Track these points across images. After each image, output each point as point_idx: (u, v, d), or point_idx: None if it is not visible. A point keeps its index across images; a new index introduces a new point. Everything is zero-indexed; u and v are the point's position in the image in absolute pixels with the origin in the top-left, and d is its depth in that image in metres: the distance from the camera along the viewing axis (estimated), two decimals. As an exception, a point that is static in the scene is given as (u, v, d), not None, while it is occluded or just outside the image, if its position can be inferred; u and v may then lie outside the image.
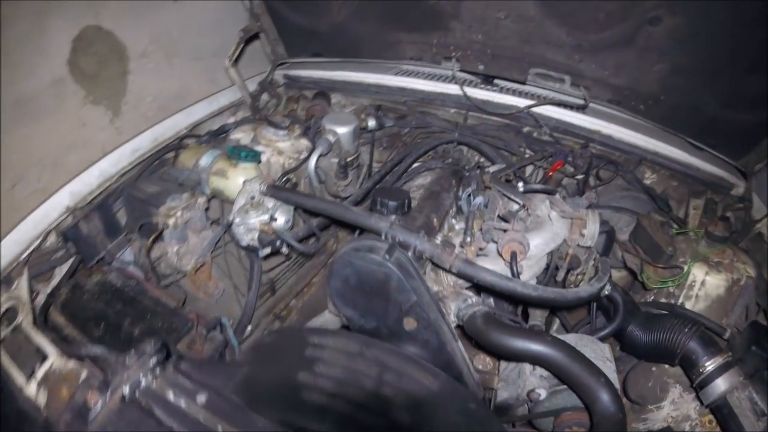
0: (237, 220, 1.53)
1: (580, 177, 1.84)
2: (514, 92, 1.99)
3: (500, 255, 1.44)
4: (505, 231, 1.44)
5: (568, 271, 1.51)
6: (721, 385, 1.22)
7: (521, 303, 1.54)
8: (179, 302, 1.60)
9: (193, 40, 2.06)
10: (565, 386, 1.29)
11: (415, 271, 1.27)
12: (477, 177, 1.77)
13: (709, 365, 1.25)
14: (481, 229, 1.49)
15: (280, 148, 1.89)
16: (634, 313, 1.49)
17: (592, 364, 1.18)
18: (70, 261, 1.48)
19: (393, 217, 1.40)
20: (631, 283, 1.76)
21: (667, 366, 1.47)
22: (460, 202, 1.74)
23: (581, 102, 1.80)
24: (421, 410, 0.93)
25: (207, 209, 1.67)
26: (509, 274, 1.32)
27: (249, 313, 1.73)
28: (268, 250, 1.55)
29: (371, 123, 2.00)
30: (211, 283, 1.72)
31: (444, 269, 1.33)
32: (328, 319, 1.99)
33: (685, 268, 1.47)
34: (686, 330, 1.31)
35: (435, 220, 1.59)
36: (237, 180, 1.70)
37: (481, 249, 1.47)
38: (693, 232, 1.56)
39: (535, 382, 1.31)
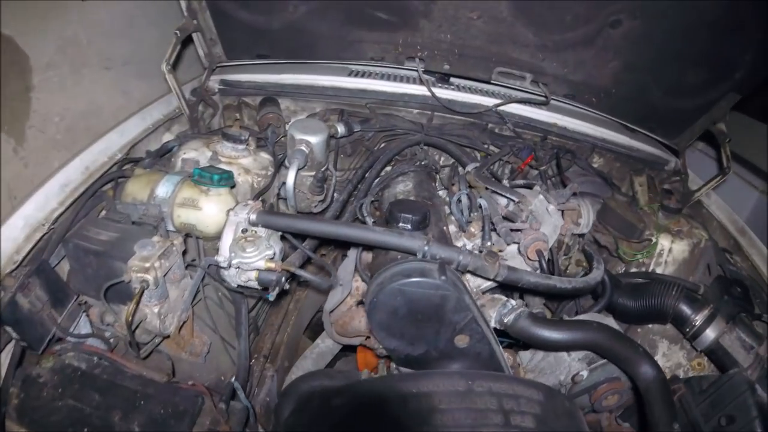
0: (235, 260, 1.28)
1: (543, 168, 1.98)
2: (473, 90, 2.04)
3: (521, 254, 1.48)
4: (518, 231, 1.50)
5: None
6: (711, 333, 1.46)
7: (557, 297, 1.61)
8: (168, 373, 1.29)
9: (103, 46, 1.67)
10: (598, 363, 1.40)
11: (464, 287, 1.23)
12: (463, 177, 1.78)
13: (698, 319, 1.48)
14: (495, 231, 1.51)
15: (245, 165, 1.64)
16: (619, 285, 1.67)
17: (629, 338, 1.31)
18: (11, 348, 1.08)
19: (422, 233, 1.33)
20: (599, 257, 1.96)
21: (650, 325, 1.70)
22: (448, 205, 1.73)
23: (543, 99, 1.92)
24: (546, 424, 0.91)
25: (185, 252, 1.36)
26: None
27: (246, 364, 1.47)
28: (277, 290, 1.32)
29: (340, 129, 1.85)
30: (197, 339, 1.42)
31: (487, 278, 1.31)
32: (323, 348, 1.83)
33: (653, 239, 1.70)
34: (673, 293, 1.52)
35: (444, 228, 1.55)
36: (211, 210, 1.42)
37: (501, 251, 1.48)
38: (648, 207, 1.81)
39: (577, 365, 1.39)
